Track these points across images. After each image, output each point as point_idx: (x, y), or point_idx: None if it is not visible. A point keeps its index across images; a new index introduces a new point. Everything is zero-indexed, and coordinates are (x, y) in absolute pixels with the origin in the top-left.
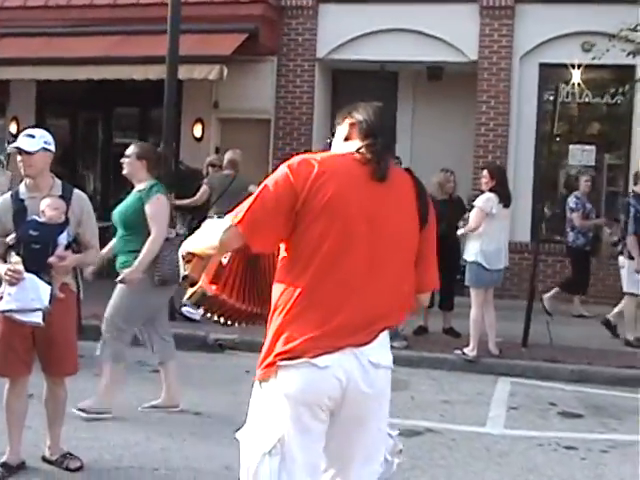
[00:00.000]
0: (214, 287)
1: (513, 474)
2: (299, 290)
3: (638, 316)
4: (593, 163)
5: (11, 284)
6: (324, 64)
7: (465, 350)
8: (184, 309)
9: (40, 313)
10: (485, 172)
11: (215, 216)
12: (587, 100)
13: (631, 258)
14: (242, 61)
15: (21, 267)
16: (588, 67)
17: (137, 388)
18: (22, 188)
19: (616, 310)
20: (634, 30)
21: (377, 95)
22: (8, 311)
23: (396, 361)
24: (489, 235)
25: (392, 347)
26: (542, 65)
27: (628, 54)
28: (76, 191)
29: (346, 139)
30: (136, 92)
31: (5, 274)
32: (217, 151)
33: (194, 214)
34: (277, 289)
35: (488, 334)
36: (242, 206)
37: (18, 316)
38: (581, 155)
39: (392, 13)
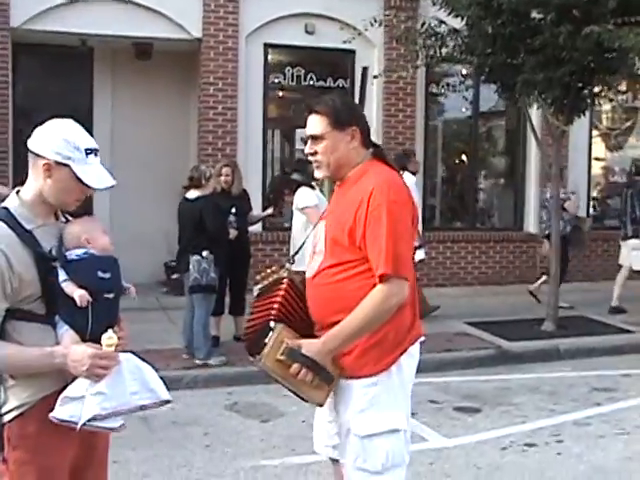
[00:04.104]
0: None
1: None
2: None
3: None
4: None
5: (98, 376)
6: (19, 35)
7: None
8: None
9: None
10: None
11: None
12: (311, 83)
13: None
14: None
15: (114, 345)
16: (312, 50)
17: None
18: (20, 214)
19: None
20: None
21: (67, 74)
22: (92, 420)
23: (222, 381)
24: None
25: (209, 365)
26: (266, 45)
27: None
28: None
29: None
30: None
31: (90, 367)
32: None
33: None
34: None
35: None
36: (383, 256)
37: (97, 423)
38: None
39: None
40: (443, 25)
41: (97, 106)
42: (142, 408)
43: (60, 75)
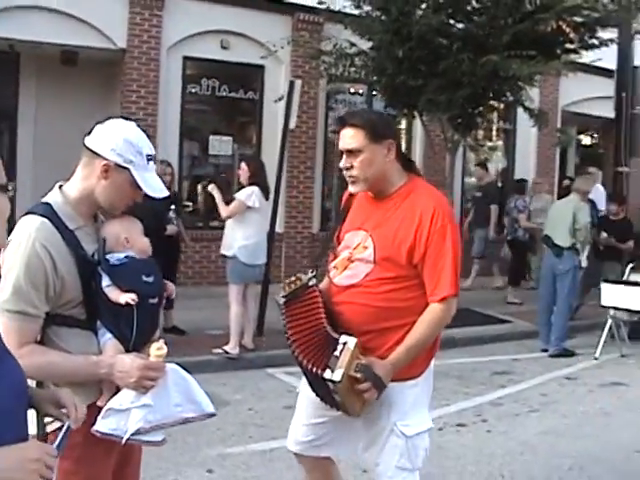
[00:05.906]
0: None
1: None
2: None
3: None
4: (230, 152)
5: (145, 388)
6: None
7: (226, 348)
8: None
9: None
10: (243, 164)
11: None
12: (225, 94)
13: None
14: None
15: (163, 356)
16: (226, 64)
17: None
18: (64, 212)
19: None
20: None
21: None
22: (135, 433)
23: None
24: (250, 229)
25: None
26: (185, 58)
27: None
28: None
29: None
30: None
31: (139, 378)
32: None
33: None
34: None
35: (246, 329)
36: (447, 277)
37: (140, 437)
38: (219, 145)
39: None
40: (353, 47)
41: (22, 108)
42: (186, 421)
43: None
